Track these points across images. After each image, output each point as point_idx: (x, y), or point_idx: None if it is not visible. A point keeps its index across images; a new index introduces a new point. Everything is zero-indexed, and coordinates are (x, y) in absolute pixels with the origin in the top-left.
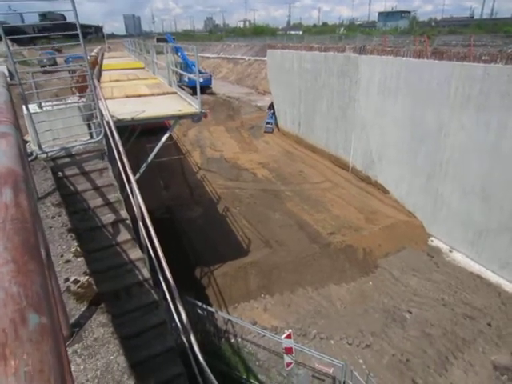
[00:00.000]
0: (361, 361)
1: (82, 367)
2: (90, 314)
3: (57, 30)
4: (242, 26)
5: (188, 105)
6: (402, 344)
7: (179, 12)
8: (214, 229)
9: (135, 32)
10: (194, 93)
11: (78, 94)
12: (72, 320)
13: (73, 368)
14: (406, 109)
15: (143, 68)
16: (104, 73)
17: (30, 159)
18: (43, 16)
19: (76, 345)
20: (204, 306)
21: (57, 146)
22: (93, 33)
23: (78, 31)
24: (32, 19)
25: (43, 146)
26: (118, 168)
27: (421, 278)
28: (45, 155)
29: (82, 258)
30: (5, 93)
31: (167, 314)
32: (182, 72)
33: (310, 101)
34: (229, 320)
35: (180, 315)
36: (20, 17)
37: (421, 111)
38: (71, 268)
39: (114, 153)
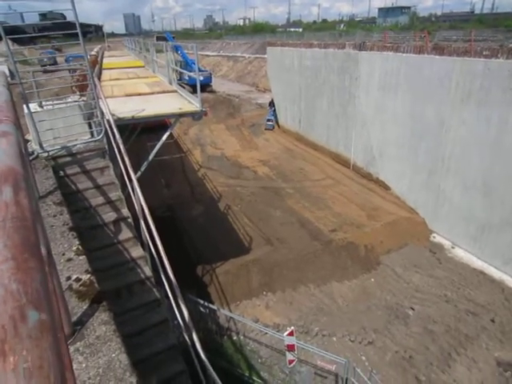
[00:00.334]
0: (363, 358)
1: (84, 365)
2: (91, 312)
3: (57, 30)
4: (241, 23)
5: (188, 103)
6: (404, 341)
7: (179, 10)
8: (215, 227)
9: (135, 31)
10: (194, 91)
11: (78, 93)
12: (74, 318)
13: (75, 366)
14: (406, 105)
15: (143, 66)
16: (104, 72)
17: (31, 158)
18: (43, 15)
19: (78, 343)
20: (206, 303)
21: (58, 145)
22: (93, 32)
23: (78, 30)
24: (32, 19)
25: (44, 145)
26: (119, 166)
27: (423, 274)
28: (46, 154)
29: (84, 257)
30: (5, 92)
31: (169, 311)
32: (181, 70)
33: (311, 98)
34: (231, 318)
35: (182, 313)
36: (20, 16)
37: (421, 107)
38: (73, 266)
39: (114, 151)
